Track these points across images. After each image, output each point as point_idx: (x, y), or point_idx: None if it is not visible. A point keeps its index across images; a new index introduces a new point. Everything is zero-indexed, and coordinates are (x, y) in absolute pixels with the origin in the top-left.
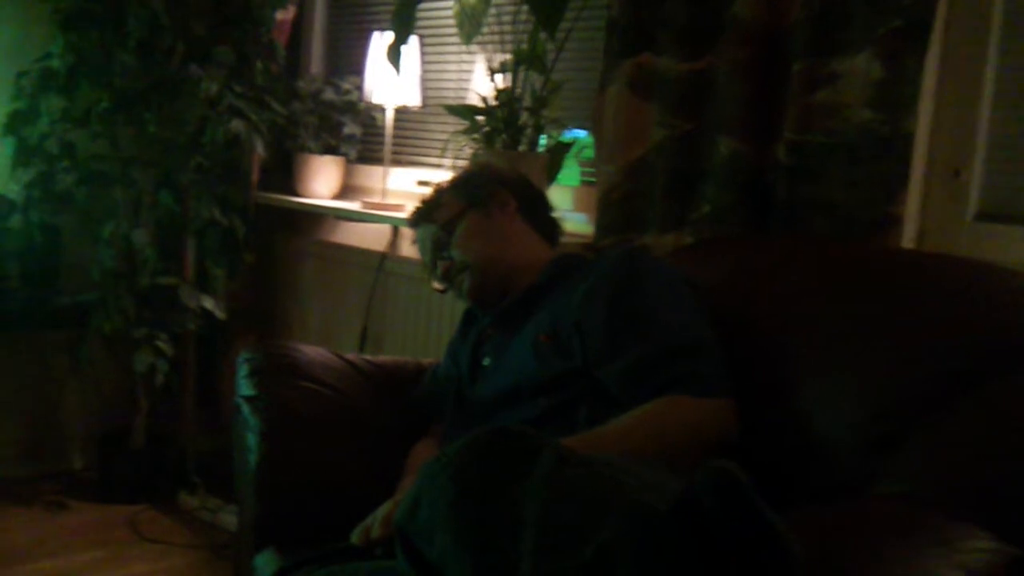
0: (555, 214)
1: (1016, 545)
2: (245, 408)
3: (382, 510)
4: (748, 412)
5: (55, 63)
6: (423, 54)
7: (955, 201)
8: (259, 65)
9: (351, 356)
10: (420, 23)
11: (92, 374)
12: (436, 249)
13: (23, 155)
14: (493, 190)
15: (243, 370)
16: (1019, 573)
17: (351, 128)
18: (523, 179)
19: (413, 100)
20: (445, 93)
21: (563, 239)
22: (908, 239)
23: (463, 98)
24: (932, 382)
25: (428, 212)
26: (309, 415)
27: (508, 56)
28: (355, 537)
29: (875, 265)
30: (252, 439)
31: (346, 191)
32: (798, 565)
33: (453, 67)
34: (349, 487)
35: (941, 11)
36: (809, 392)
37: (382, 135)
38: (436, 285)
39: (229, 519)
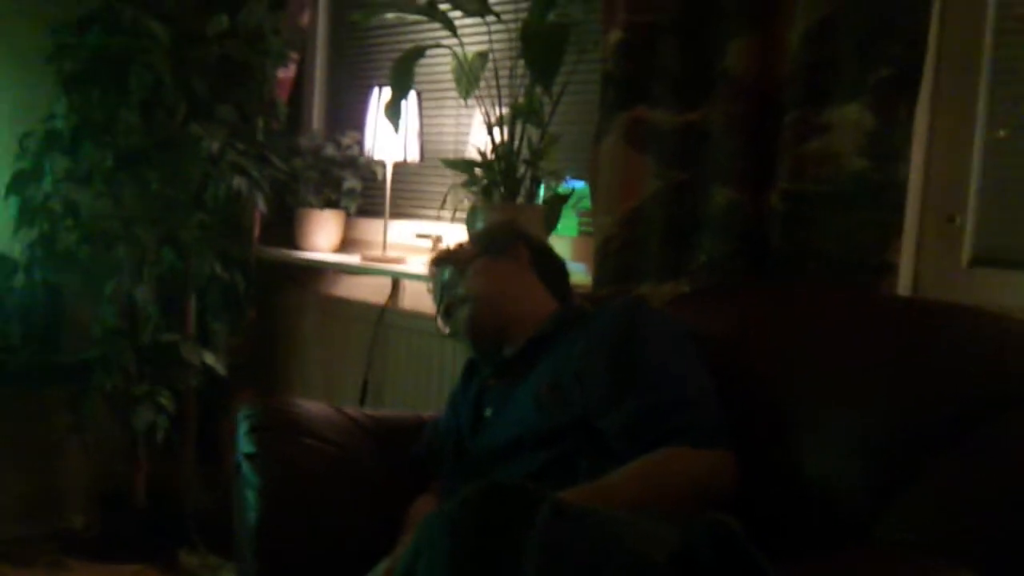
0: (569, 278)
1: None
2: (245, 465)
3: (381, 567)
4: (748, 461)
5: (59, 123)
6: (422, 109)
7: (949, 247)
8: (260, 122)
9: (351, 410)
10: (418, 79)
11: (93, 432)
12: (446, 288)
13: (27, 215)
14: (510, 242)
15: (243, 427)
16: None
17: (351, 182)
18: (542, 240)
19: (412, 154)
20: (444, 147)
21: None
22: (903, 286)
23: (461, 151)
24: (930, 429)
25: (446, 256)
26: (309, 471)
27: (505, 110)
28: None
29: (872, 311)
30: (252, 496)
31: (346, 244)
32: None
33: (451, 121)
34: (349, 543)
35: (931, 59)
36: (808, 440)
37: (382, 189)
38: (441, 326)
39: None
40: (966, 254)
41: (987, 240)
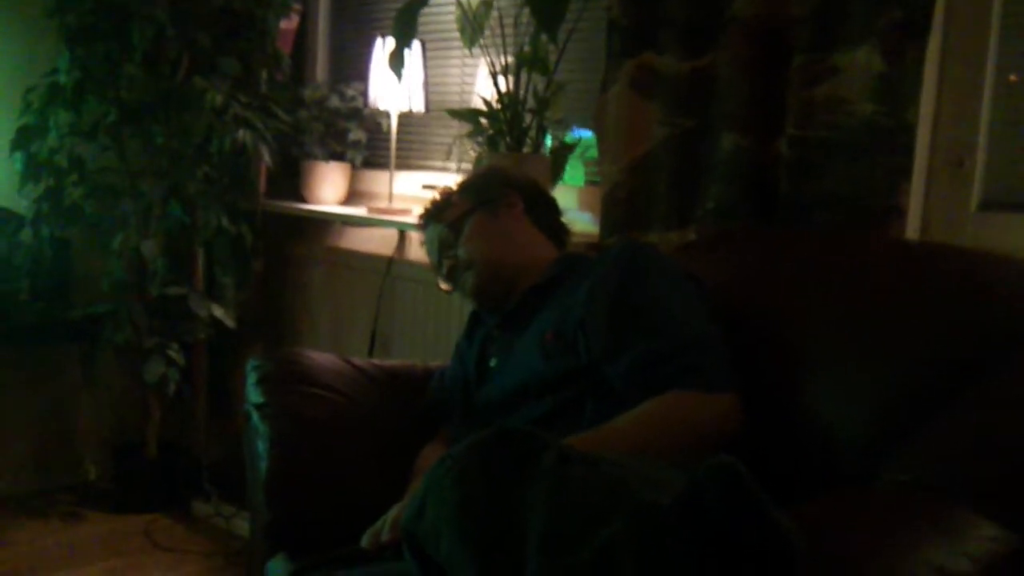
0: (563, 218)
1: (1020, 533)
2: (255, 415)
3: (391, 514)
4: (754, 406)
5: (62, 78)
6: (426, 59)
7: (959, 191)
8: (264, 74)
9: (360, 361)
10: (422, 28)
11: (104, 385)
12: (443, 248)
13: (32, 170)
14: (501, 191)
15: (252, 377)
16: (1023, 561)
17: (356, 134)
18: (532, 182)
19: (417, 105)
20: (449, 97)
21: (570, 240)
22: (912, 230)
23: (467, 102)
24: (936, 372)
25: (437, 212)
26: (318, 421)
27: (511, 59)
28: (365, 541)
29: (878, 257)
30: (262, 446)
31: (352, 197)
32: (800, 558)
33: (456, 71)
34: (359, 491)
35: (941, 2)
36: (814, 385)
37: (387, 140)
38: (442, 285)
39: (243, 526)
40: (975, 198)
41: (996, 184)
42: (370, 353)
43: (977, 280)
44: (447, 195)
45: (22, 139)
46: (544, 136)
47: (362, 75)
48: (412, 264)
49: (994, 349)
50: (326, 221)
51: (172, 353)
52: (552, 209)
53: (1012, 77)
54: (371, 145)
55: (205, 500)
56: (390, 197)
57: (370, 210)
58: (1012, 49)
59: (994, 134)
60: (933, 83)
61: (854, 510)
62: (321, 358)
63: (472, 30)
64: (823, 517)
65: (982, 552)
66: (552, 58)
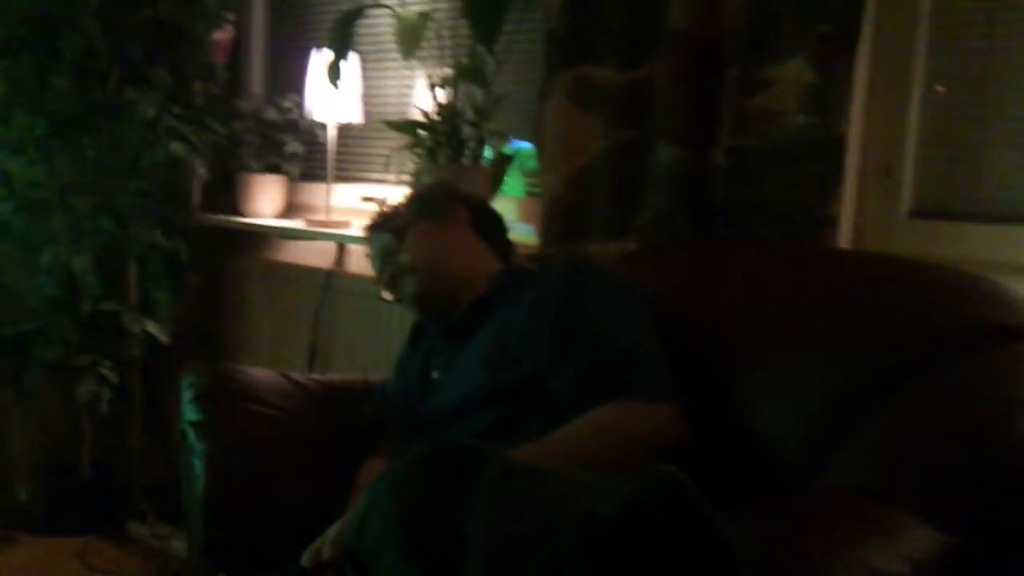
0: (508, 234)
1: (956, 533)
2: (190, 433)
3: (332, 531)
4: (695, 415)
5: None
6: (364, 70)
7: (889, 200)
8: (197, 86)
9: (298, 376)
10: (360, 39)
11: (35, 404)
12: (385, 255)
13: None
14: (447, 203)
15: (188, 394)
16: (959, 560)
17: (293, 146)
18: (478, 196)
19: (355, 117)
20: (387, 109)
21: (514, 254)
22: (845, 238)
23: (405, 113)
24: (870, 377)
25: (382, 221)
26: (256, 437)
27: (449, 70)
28: (306, 559)
29: (811, 265)
30: (198, 464)
31: (290, 209)
32: (742, 565)
33: (394, 83)
34: (299, 508)
35: (871, 15)
36: (752, 393)
37: (325, 152)
38: (384, 294)
39: (180, 546)
40: (905, 206)
41: (925, 192)
42: (310, 368)
43: (907, 287)
44: (392, 206)
45: None
46: (483, 148)
47: (299, 87)
48: (351, 277)
49: (924, 354)
50: (263, 234)
51: (105, 371)
52: (498, 224)
53: (939, 88)
54: (309, 157)
55: (141, 521)
56: (328, 209)
57: (308, 223)
58: (939, 61)
59: (922, 144)
60: (863, 94)
61: (793, 516)
62: (259, 373)
63: (409, 41)
64: (763, 524)
65: (917, 553)
66: (490, 70)
